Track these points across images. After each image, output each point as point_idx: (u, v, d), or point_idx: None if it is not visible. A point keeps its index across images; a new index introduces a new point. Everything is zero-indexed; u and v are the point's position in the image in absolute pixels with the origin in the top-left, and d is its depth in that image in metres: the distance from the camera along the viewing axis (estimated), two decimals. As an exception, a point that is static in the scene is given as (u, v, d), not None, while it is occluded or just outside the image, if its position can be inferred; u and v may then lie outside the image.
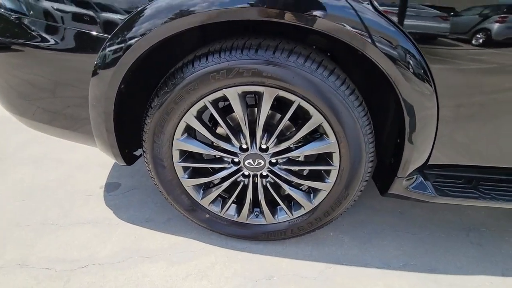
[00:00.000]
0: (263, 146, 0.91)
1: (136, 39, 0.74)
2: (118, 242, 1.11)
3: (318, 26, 0.69)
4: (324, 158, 0.93)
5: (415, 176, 0.90)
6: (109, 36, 0.76)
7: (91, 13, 0.77)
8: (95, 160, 1.57)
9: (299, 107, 0.82)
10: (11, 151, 1.69)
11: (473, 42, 0.68)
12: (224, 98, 0.85)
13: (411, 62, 0.70)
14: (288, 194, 1.01)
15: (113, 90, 0.82)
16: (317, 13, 0.67)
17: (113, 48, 0.76)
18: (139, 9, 0.73)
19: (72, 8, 0.78)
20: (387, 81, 0.74)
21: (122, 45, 0.75)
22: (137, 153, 1.09)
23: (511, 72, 0.72)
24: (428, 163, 0.87)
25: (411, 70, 0.71)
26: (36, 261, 1.04)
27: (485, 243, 1.11)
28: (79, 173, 1.49)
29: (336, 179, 0.92)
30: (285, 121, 0.85)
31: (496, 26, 0.67)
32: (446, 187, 0.91)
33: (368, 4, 0.67)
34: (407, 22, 0.68)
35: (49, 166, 1.56)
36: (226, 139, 0.92)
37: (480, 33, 0.68)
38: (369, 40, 0.68)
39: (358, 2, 0.67)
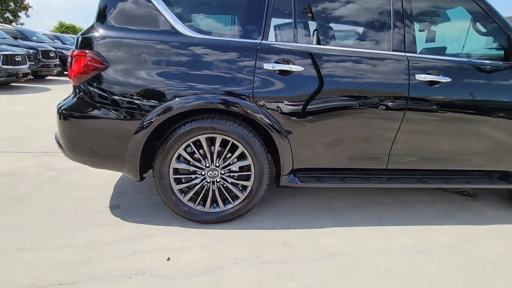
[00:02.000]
0: (217, 164, 1.84)
1: (155, 118, 1.67)
2: (131, 229, 1.83)
3: (240, 112, 1.72)
4: (247, 169, 1.89)
5: (289, 175, 1.91)
6: (143, 118, 1.68)
7: (136, 104, 1.70)
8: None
9: (233, 144, 1.80)
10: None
11: (297, 118, 1.78)
12: (198, 140, 1.79)
13: (275, 127, 1.76)
14: (231, 191, 1.91)
15: (143, 140, 1.71)
16: (236, 107, 1.71)
17: (146, 120, 1.68)
18: (157, 107, 1.67)
19: (128, 99, 1.70)
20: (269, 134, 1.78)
21: (150, 120, 1.67)
22: (145, 174, 1.92)
23: (322, 128, 1.81)
24: (293, 168, 1.90)
25: (276, 130, 1.76)
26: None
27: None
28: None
29: (254, 179, 1.87)
30: (226, 151, 1.82)
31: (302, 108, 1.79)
32: (305, 179, 1.93)
33: (253, 103, 1.73)
34: (271, 112, 1.75)
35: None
36: (198, 161, 1.83)
37: (296, 116, 1.78)
38: (258, 118, 1.73)
39: (251, 103, 1.72)
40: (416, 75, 1.81)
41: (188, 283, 1.43)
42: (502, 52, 1.96)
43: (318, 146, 1.86)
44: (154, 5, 1.68)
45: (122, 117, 1.69)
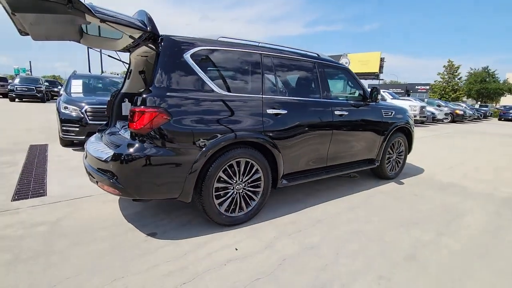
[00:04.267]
0: (241, 179, 2.62)
1: (208, 152, 2.32)
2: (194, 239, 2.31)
3: (258, 142, 2.61)
4: (258, 179, 2.76)
5: (281, 179, 2.92)
6: (199, 152, 2.29)
7: (193, 143, 2.28)
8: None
9: (251, 164, 2.65)
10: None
11: (284, 140, 2.85)
12: (231, 164, 2.52)
13: (276, 148, 2.75)
14: (250, 197, 2.71)
15: (199, 169, 2.30)
16: (256, 139, 2.60)
17: (201, 154, 2.29)
18: (208, 143, 2.33)
19: (188, 140, 2.26)
20: (271, 151, 2.75)
21: (205, 153, 2.30)
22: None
23: (296, 144, 2.94)
24: (284, 173, 2.93)
25: (276, 149, 2.75)
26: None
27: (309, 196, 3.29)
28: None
29: (264, 185, 2.76)
30: (248, 169, 2.64)
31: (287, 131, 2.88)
32: (291, 179, 2.99)
33: (264, 135, 2.67)
34: (273, 138, 2.74)
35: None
36: (231, 178, 2.55)
37: (282, 134, 2.86)
38: (267, 144, 2.67)
39: (264, 135, 2.66)
40: (334, 111, 3.28)
41: (260, 257, 2.19)
42: (361, 97, 3.77)
43: (295, 157, 2.98)
44: (198, 74, 2.36)
45: (183, 154, 2.23)
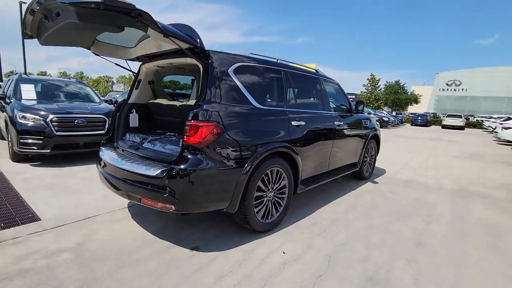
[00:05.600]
0: (272, 187, 2.79)
1: (254, 162, 2.43)
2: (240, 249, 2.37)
3: (287, 151, 2.81)
4: (284, 187, 2.96)
5: (300, 185, 3.18)
6: (246, 163, 2.39)
7: (242, 153, 2.37)
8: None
9: (281, 172, 2.83)
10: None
11: (303, 147, 3.12)
12: (266, 173, 2.67)
13: (299, 155, 3.00)
14: (278, 204, 2.89)
15: (246, 179, 2.39)
16: (286, 148, 2.81)
17: (248, 165, 2.39)
18: (255, 153, 2.45)
19: (238, 151, 2.33)
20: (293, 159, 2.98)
21: (251, 164, 2.41)
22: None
23: (310, 151, 3.23)
24: (302, 179, 3.19)
25: (294, 152, 3.00)
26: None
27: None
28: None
29: (288, 193, 2.98)
30: (277, 177, 2.82)
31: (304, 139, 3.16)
32: (306, 184, 3.27)
33: (291, 144, 2.90)
34: (296, 147, 2.97)
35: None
36: (266, 187, 2.69)
37: (299, 143, 3.14)
38: (293, 153, 2.90)
39: (290, 145, 2.89)
40: (334, 121, 3.70)
41: (308, 257, 2.40)
42: (347, 109, 4.31)
43: (309, 163, 3.28)
44: (240, 89, 2.46)
45: (233, 165, 2.30)
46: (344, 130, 3.96)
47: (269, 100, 2.84)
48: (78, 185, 3.92)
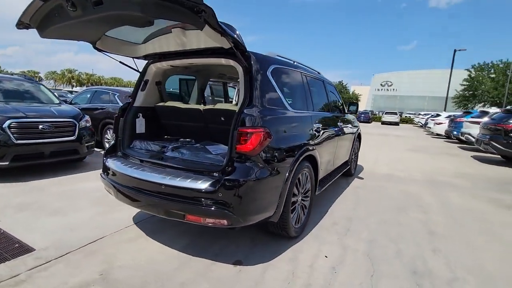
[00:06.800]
0: (301, 191, 2.76)
1: (296, 166, 2.37)
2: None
3: (313, 154, 2.81)
4: (309, 190, 2.95)
5: (318, 186, 3.21)
6: (288, 168, 2.31)
7: (285, 158, 2.28)
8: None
9: (307, 175, 2.81)
10: None
11: (320, 148, 3.15)
12: (299, 178, 2.62)
13: (319, 156, 3.02)
14: (304, 207, 2.87)
15: (288, 185, 2.31)
16: (312, 150, 2.80)
17: (290, 169, 2.31)
18: (294, 157, 2.38)
19: (282, 157, 2.23)
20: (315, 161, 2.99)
21: (292, 168, 2.34)
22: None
23: (325, 151, 3.27)
24: (319, 179, 3.23)
25: (316, 154, 3.03)
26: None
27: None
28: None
29: (311, 195, 2.97)
30: (306, 180, 2.80)
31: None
32: (322, 184, 3.31)
33: (313, 147, 2.90)
34: (317, 148, 2.98)
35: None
36: (297, 191, 2.65)
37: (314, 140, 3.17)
38: (316, 155, 2.91)
39: (313, 147, 2.88)
40: (338, 122, 3.83)
41: (350, 258, 2.43)
42: (342, 109, 4.49)
43: (324, 164, 3.33)
44: (277, 92, 2.36)
45: (279, 172, 2.20)
46: (344, 130, 4.12)
47: (296, 103, 2.80)
48: (57, 202, 3.34)
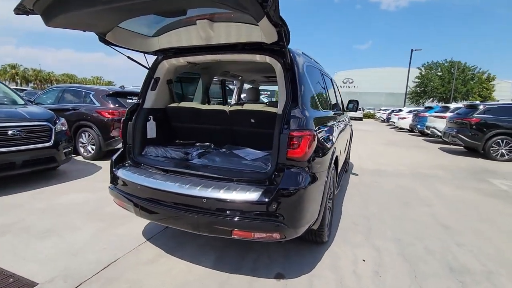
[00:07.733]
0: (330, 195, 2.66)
1: (329, 168, 2.26)
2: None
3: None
4: (332, 192, 2.86)
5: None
6: (327, 169, 2.20)
7: (327, 162, 2.15)
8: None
9: (332, 177, 2.73)
10: None
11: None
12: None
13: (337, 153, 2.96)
14: (330, 208, 2.78)
15: (327, 188, 2.20)
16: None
17: (328, 171, 2.20)
18: (329, 164, 2.28)
19: (326, 160, 2.10)
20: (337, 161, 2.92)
21: (328, 171, 2.23)
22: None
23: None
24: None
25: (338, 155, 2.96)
26: None
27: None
28: None
29: (333, 196, 2.90)
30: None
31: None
32: (338, 183, 3.25)
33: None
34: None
35: None
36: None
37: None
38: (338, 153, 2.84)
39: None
40: (346, 121, 3.80)
41: (386, 259, 2.40)
42: (342, 107, 4.50)
43: (341, 161, 3.27)
44: (312, 90, 2.22)
45: (322, 176, 2.07)
46: (348, 127, 4.13)
47: (321, 102, 2.68)
48: (44, 220, 2.86)
